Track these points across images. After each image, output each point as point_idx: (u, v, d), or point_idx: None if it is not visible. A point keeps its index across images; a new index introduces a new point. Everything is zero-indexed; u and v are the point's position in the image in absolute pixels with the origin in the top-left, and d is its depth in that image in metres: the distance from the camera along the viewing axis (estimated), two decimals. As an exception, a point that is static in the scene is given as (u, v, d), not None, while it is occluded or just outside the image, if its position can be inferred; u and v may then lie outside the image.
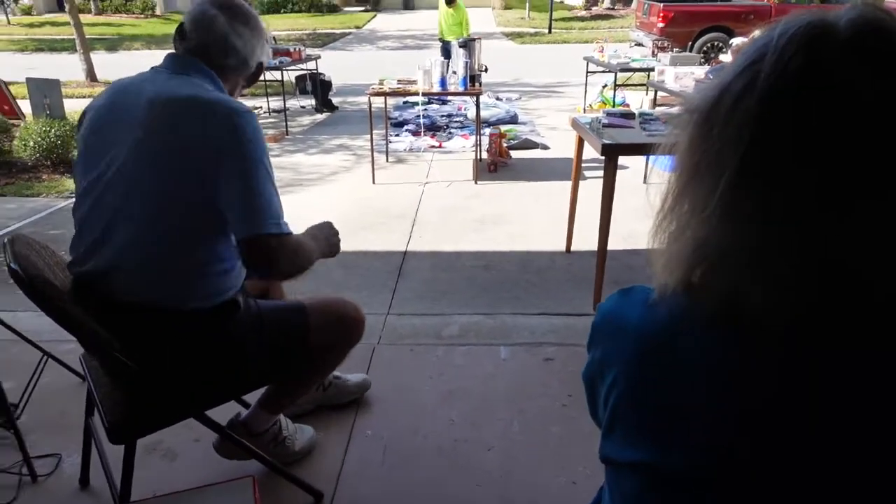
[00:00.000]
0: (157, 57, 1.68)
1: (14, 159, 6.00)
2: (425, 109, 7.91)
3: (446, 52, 9.26)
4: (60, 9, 21.35)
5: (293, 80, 9.34)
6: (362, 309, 1.91)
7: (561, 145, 6.44)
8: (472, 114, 7.50)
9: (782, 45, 0.54)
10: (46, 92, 6.12)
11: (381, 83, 5.47)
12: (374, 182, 5.35)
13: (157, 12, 25.74)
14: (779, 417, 0.56)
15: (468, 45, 5.23)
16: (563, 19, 22.20)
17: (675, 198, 0.62)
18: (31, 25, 22.15)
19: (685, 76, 4.57)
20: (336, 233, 1.85)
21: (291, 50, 7.64)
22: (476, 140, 5.76)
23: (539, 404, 2.32)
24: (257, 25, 1.63)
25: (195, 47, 1.55)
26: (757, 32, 0.60)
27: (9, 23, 22.52)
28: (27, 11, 24.77)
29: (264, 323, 1.67)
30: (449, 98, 8.14)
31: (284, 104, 7.85)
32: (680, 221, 0.61)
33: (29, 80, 6.43)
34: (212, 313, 1.54)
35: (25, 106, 7.42)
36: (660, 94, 5.47)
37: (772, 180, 0.54)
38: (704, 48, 11.67)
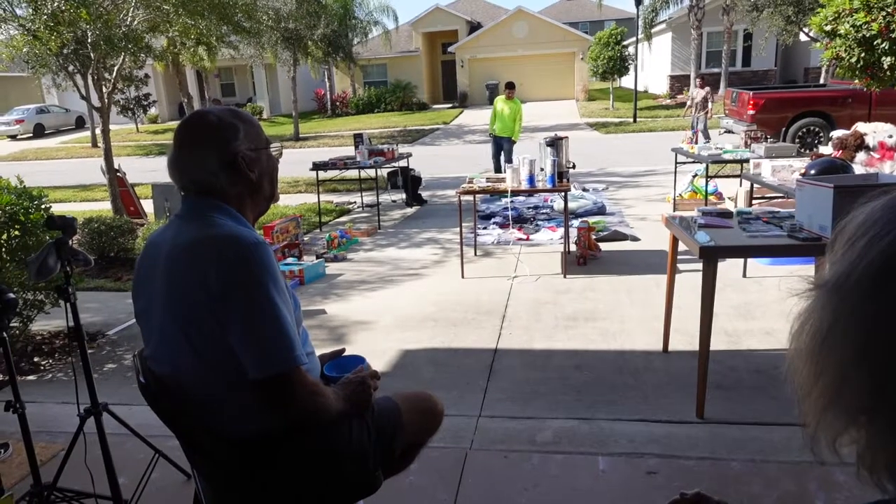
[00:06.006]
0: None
1: (136, 257, 6.57)
2: (512, 202, 8.06)
3: (498, 147, 9.63)
4: (182, 116, 23.86)
5: (385, 176, 9.84)
6: (441, 402, 1.91)
7: (652, 236, 6.33)
8: (558, 205, 7.57)
9: None
10: (168, 196, 6.74)
11: (470, 181, 5.66)
12: (463, 276, 5.43)
13: (264, 116, 28.16)
14: None
15: (556, 143, 5.35)
16: (648, 108, 22.38)
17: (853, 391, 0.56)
18: (155, 132, 24.77)
19: (783, 169, 4.43)
20: (366, 388, 1.66)
21: (385, 150, 8.08)
22: (564, 234, 5.77)
23: (643, 525, 2.17)
24: (202, 133, 1.54)
25: (186, 187, 1.55)
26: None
27: (137, 130, 25.29)
28: (154, 120, 27.81)
29: (365, 429, 1.69)
30: (535, 191, 8.27)
31: (377, 199, 8.24)
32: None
33: (154, 185, 7.12)
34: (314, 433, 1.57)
35: (148, 206, 8.20)
36: (756, 185, 5.32)
37: None
38: (800, 134, 11.36)
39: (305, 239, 7.03)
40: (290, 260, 5.96)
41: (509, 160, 9.51)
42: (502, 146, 9.63)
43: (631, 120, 20.01)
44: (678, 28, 25.29)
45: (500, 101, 9.59)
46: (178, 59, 14.60)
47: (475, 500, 2.33)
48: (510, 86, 9.70)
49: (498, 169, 9.43)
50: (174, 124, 26.28)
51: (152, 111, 26.43)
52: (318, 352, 1.97)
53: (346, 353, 2.02)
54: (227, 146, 1.53)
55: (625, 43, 23.68)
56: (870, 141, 5.09)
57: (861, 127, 5.28)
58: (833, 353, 0.56)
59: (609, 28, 24.49)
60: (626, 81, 26.52)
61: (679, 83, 25.28)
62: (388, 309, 4.73)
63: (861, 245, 0.56)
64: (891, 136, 4.91)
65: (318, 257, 6.15)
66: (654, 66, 28.72)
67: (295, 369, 1.42)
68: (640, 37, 23.49)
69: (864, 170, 4.66)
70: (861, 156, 5.07)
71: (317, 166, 7.81)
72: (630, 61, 23.12)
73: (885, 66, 5.65)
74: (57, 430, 3.00)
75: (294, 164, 10.74)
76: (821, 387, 0.57)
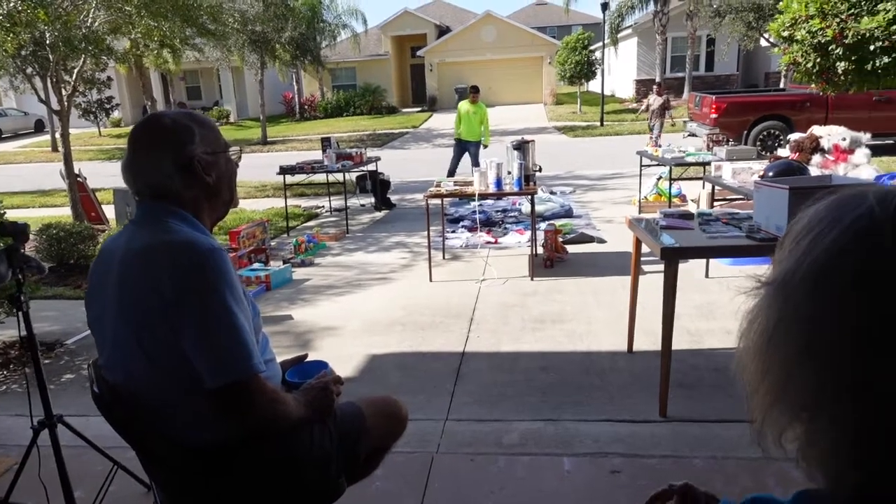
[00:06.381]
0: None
1: (97, 262, 6.41)
2: (480, 205, 8.08)
3: (462, 151, 9.67)
4: (145, 120, 23.39)
5: (354, 180, 9.78)
6: (405, 406, 1.91)
7: (618, 238, 6.41)
8: (526, 208, 7.61)
9: None
10: (129, 201, 6.60)
11: (437, 185, 5.66)
12: (431, 280, 5.42)
13: (231, 119, 27.80)
14: None
15: (522, 146, 5.39)
16: (615, 112, 22.70)
17: (793, 386, 0.56)
18: (118, 136, 24.22)
19: (743, 171, 4.54)
20: (329, 394, 1.64)
21: (353, 154, 8.05)
22: (532, 237, 5.81)
23: (607, 524, 2.19)
24: (158, 136, 1.52)
25: (141, 191, 1.52)
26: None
27: (100, 134, 24.72)
28: (117, 123, 27.20)
29: (327, 435, 1.68)
30: (504, 194, 8.32)
31: (346, 203, 8.20)
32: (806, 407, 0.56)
33: (116, 190, 6.96)
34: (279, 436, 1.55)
35: (110, 212, 8.02)
36: (717, 187, 5.43)
37: None
38: (760, 137, 11.64)
39: (272, 244, 6.95)
40: (256, 265, 5.89)
41: (476, 163, 9.54)
42: (467, 150, 9.66)
43: (598, 123, 20.28)
44: (643, 33, 25.72)
45: (465, 105, 9.62)
46: (141, 61, 14.33)
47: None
48: (475, 89, 9.74)
49: (453, 173, 9.44)
50: (138, 128, 25.71)
51: (115, 114, 25.83)
52: (282, 358, 1.95)
53: (309, 359, 2.00)
54: (182, 149, 1.51)
55: (592, 48, 23.99)
56: (825, 144, 5.25)
57: (817, 130, 5.44)
58: (779, 351, 0.57)
59: (576, 33, 24.80)
60: (594, 86, 26.86)
61: (645, 87, 25.66)
62: (355, 313, 4.70)
63: (806, 244, 0.57)
64: (844, 139, 5.07)
65: (284, 262, 6.09)
66: (620, 70, 29.15)
67: (253, 377, 1.40)
68: (606, 42, 23.84)
69: (820, 171, 4.80)
70: (817, 158, 5.22)
71: (284, 170, 7.74)
72: (597, 66, 23.44)
73: (840, 71, 5.83)
74: (10, 443, 2.91)
75: (261, 168, 10.63)
76: (767, 384, 0.58)
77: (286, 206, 8.11)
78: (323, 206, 9.44)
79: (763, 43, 19.38)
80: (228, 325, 1.37)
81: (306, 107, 28.43)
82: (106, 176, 12.37)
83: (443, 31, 31.49)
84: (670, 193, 7.21)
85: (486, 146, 9.68)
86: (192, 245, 1.41)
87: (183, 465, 1.51)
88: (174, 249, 1.41)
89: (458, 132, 9.76)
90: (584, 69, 23.52)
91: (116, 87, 25.25)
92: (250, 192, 10.97)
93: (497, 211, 8.14)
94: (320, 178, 8.81)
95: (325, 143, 8.27)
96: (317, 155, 9.45)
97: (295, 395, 1.63)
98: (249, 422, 1.46)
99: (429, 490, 2.42)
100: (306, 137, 21.09)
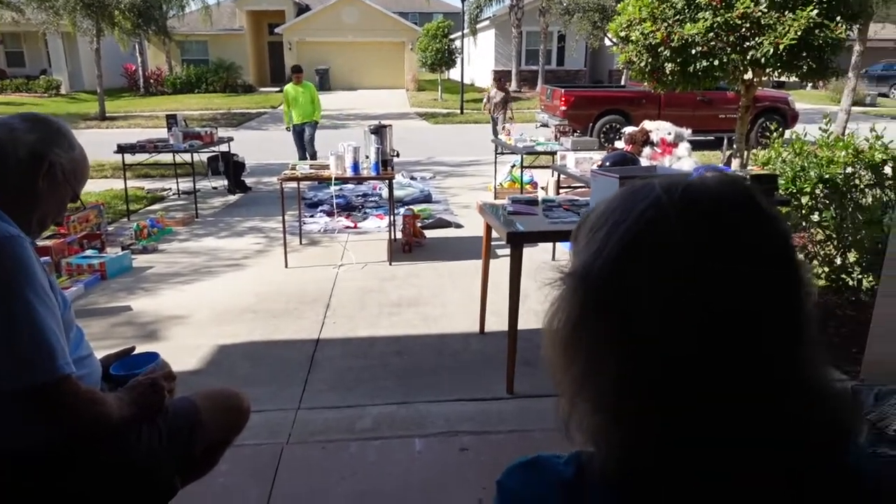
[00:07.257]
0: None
1: None
2: (340, 189, 7.97)
3: (300, 137, 9.52)
4: (-47, 87, 20.35)
5: (205, 161, 9.21)
6: (247, 397, 1.85)
7: (474, 224, 6.61)
8: (387, 193, 7.62)
9: (685, 218, 0.55)
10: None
11: (293, 168, 5.49)
12: (286, 266, 5.26)
13: (62, 91, 24.99)
14: None
15: (380, 131, 5.36)
16: (474, 100, 23.28)
17: (590, 367, 0.58)
18: (-82, 103, 20.91)
19: (584, 161, 4.86)
20: (158, 390, 1.55)
21: (202, 133, 7.57)
22: (390, 221, 5.82)
23: (455, 500, 2.27)
24: (51, 122, 1.50)
25: None
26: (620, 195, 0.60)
27: None
28: (-84, 89, 23.45)
29: (156, 434, 1.57)
30: (364, 178, 8.25)
31: (195, 186, 7.70)
32: (599, 389, 0.58)
33: None
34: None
35: None
36: (563, 175, 5.78)
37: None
38: (604, 129, 12.53)
39: (110, 229, 6.37)
40: (89, 252, 5.37)
41: (311, 146, 9.33)
42: (304, 132, 9.44)
43: (458, 111, 20.72)
44: (500, 25, 26.61)
45: (291, 89, 9.34)
46: (-56, 18, 12.40)
47: (290, 495, 2.28)
48: (297, 69, 9.49)
49: (304, 157, 9.23)
50: (-57, 96, 22.31)
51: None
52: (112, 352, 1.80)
53: (147, 352, 1.87)
54: (50, 144, 1.44)
55: (452, 36, 24.40)
56: (654, 137, 5.77)
57: (647, 125, 5.97)
58: (582, 344, 0.58)
59: (437, 20, 25.08)
60: (455, 73, 27.38)
61: (503, 78, 26.62)
62: (203, 302, 4.45)
63: (601, 235, 0.57)
64: (669, 134, 5.62)
65: (123, 249, 5.61)
66: (479, 60, 29.96)
67: (62, 380, 1.28)
68: (465, 31, 24.35)
69: (649, 162, 5.27)
70: (647, 150, 5.73)
71: (122, 149, 7.09)
72: (457, 54, 23.89)
73: (667, 71, 6.42)
74: None
75: (99, 145, 9.62)
76: (572, 375, 0.59)
77: (126, 187, 7.46)
78: (170, 189, 8.80)
79: (607, 42, 20.82)
80: (28, 321, 1.24)
81: (152, 81, 26.27)
82: None
83: (302, 8, 30.43)
84: (522, 180, 7.55)
85: (317, 123, 9.52)
86: None
87: None
88: None
89: (288, 118, 9.47)
90: (445, 57, 23.88)
91: (-87, 46, 21.71)
92: (84, 173, 9.95)
93: (357, 196, 8.06)
94: (167, 158, 8.20)
95: (171, 120, 7.69)
96: (163, 133, 8.77)
97: (118, 393, 1.51)
98: (62, 427, 1.34)
99: (277, 481, 2.36)
100: (152, 114, 19.49)
